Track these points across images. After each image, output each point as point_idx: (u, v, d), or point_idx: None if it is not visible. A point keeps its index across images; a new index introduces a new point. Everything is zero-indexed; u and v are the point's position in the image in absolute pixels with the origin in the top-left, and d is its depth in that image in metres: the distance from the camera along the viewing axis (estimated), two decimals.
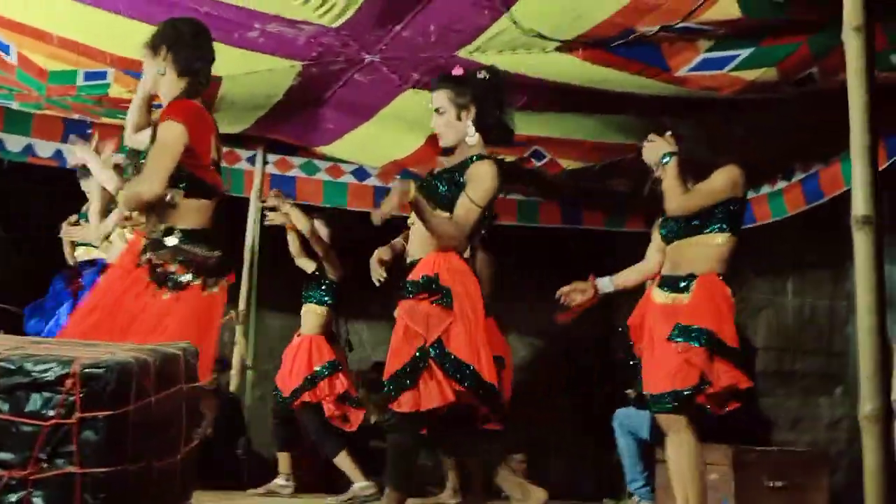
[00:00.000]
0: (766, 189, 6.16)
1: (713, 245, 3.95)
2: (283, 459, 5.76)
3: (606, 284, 4.23)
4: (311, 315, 5.73)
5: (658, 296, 4.00)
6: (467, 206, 3.65)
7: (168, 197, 3.42)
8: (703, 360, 3.80)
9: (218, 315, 3.52)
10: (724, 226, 3.95)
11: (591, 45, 4.15)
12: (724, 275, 3.95)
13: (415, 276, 3.67)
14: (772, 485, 5.01)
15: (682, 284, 3.93)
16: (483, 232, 5.31)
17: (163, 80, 3.55)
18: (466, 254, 3.73)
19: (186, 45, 3.56)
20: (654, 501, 5.43)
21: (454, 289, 3.59)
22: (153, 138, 3.52)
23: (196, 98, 3.56)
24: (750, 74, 4.24)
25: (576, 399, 7.50)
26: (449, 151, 3.85)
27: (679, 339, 3.82)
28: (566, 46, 4.21)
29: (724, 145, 4.00)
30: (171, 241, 3.42)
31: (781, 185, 6.04)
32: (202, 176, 3.48)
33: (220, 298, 3.51)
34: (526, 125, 5.32)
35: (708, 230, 3.93)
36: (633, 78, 4.38)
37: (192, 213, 3.47)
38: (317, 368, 5.54)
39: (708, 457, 4.91)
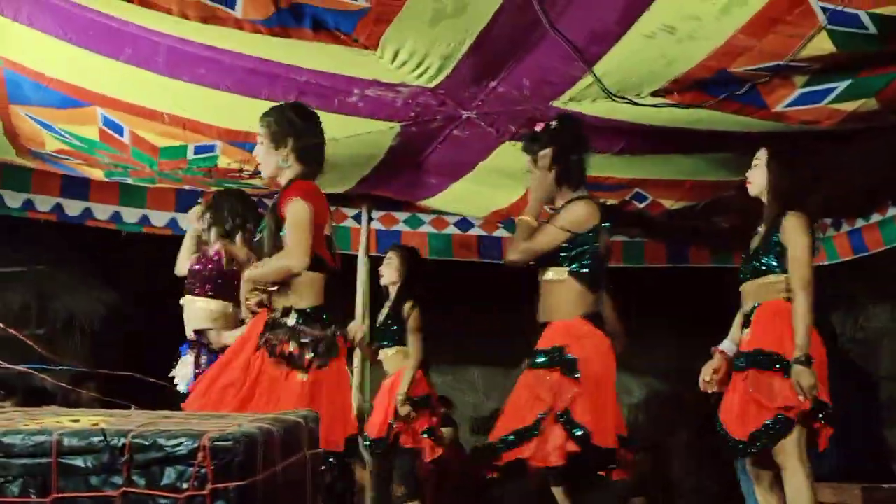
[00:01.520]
0: (875, 217, 6.03)
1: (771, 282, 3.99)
2: None
3: (730, 347, 4.22)
4: None
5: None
6: (545, 228, 3.87)
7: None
8: (764, 384, 3.83)
9: (334, 387, 3.63)
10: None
11: (686, 88, 4.15)
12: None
13: (545, 344, 3.83)
14: None
15: (749, 318, 3.96)
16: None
17: (285, 167, 3.74)
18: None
19: (307, 134, 3.78)
20: None
21: (581, 357, 3.72)
22: (275, 214, 3.67)
23: (313, 179, 3.77)
24: (849, 106, 4.18)
25: (698, 438, 7.38)
26: None
27: (743, 367, 3.90)
28: (661, 90, 4.22)
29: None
30: (290, 321, 3.57)
31: (893, 211, 5.90)
32: (317, 250, 3.64)
33: (334, 373, 3.64)
34: (625, 168, 5.35)
35: (771, 273, 3.98)
36: (730, 117, 4.37)
37: (308, 289, 3.63)
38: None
39: (837, 497, 4.81)
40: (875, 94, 4.12)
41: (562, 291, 3.88)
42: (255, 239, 3.95)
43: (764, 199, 4.17)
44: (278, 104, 3.87)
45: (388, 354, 5.85)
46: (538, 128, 4.06)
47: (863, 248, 6.15)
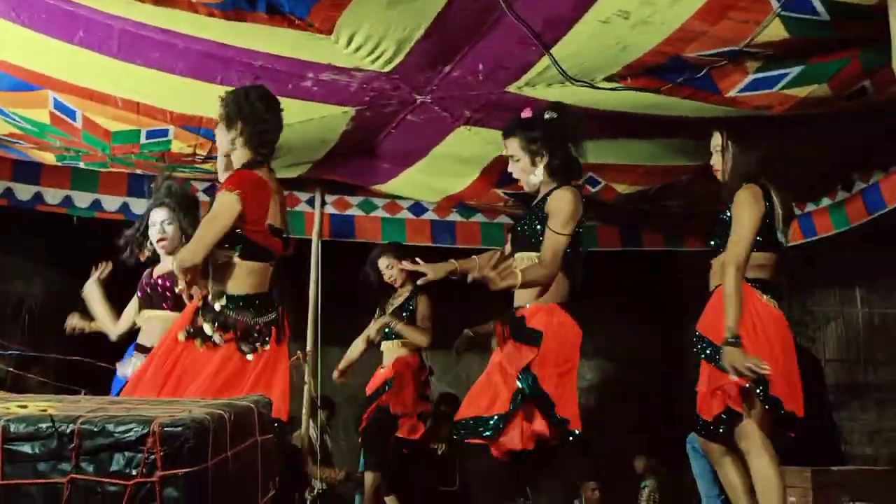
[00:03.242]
0: (826, 201, 6.11)
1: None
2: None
3: None
4: None
5: None
6: (555, 239, 3.72)
7: (222, 258, 3.60)
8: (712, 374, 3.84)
9: (266, 372, 3.60)
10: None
11: (640, 73, 4.17)
12: (760, 281, 3.93)
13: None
14: None
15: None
16: None
17: (234, 150, 3.70)
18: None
19: (260, 120, 3.71)
20: None
21: (546, 333, 3.70)
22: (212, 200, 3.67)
23: (260, 168, 3.69)
24: (801, 91, 4.22)
25: (648, 422, 7.46)
26: (512, 179, 4.04)
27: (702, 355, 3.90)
28: (616, 76, 4.24)
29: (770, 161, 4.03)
30: (217, 305, 3.58)
31: (842, 196, 5.99)
32: (257, 240, 3.60)
33: (265, 360, 3.61)
34: None
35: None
36: (683, 102, 4.39)
37: (246, 276, 3.62)
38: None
39: (787, 480, 4.80)
40: (827, 80, 4.16)
41: None
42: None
43: (728, 182, 4.11)
44: (243, 86, 3.82)
45: (389, 346, 5.92)
46: (527, 114, 3.95)
47: (812, 232, 6.24)
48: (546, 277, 3.71)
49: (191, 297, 3.63)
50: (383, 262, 5.93)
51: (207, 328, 3.56)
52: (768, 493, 3.77)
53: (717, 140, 4.11)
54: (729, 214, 3.96)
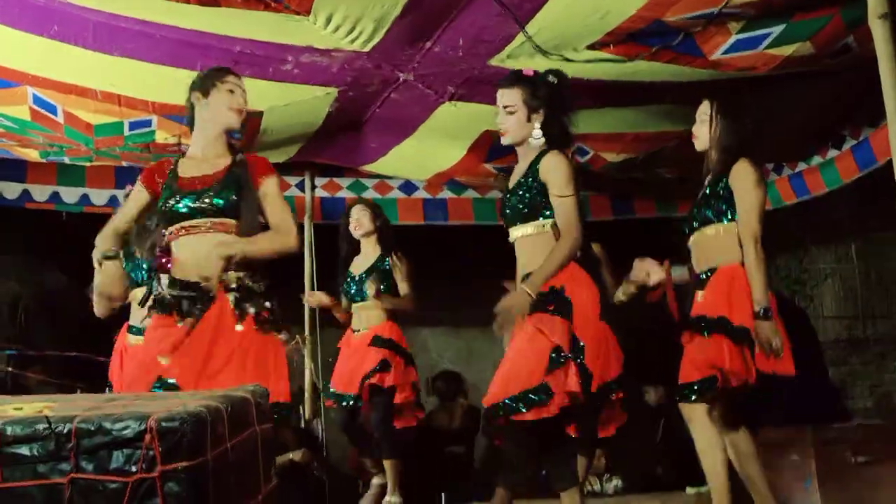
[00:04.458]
0: (816, 160, 6.10)
1: (725, 231, 3.91)
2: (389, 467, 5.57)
3: (680, 273, 4.13)
4: None
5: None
6: (561, 203, 3.66)
7: None
8: (722, 350, 3.80)
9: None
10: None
11: (622, 40, 4.15)
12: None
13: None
14: (856, 461, 4.77)
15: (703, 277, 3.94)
16: None
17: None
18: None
19: None
20: None
21: (577, 299, 3.63)
22: (243, 186, 3.60)
23: None
24: (784, 50, 4.20)
25: (641, 392, 7.46)
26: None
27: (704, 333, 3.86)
28: (597, 44, 4.21)
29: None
30: (260, 287, 3.49)
31: (833, 154, 5.98)
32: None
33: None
34: None
35: (722, 220, 3.91)
36: (667, 67, 4.37)
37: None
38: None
39: (788, 439, 4.85)
40: (809, 38, 4.15)
41: (546, 244, 3.71)
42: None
43: (712, 153, 4.00)
44: (204, 75, 3.73)
45: (358, 308, 5.68)
46: (529, 72, 3.82)
47: (805, 191, 6.24)
48: (573, 247, 3.66)
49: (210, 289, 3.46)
50: (357, 210, 5.71)
51: (270, 309, 3.48)
52: (712, 457, 3.90)
53: (704, 108, 3.97)
54: (720, 187, 3.87)
